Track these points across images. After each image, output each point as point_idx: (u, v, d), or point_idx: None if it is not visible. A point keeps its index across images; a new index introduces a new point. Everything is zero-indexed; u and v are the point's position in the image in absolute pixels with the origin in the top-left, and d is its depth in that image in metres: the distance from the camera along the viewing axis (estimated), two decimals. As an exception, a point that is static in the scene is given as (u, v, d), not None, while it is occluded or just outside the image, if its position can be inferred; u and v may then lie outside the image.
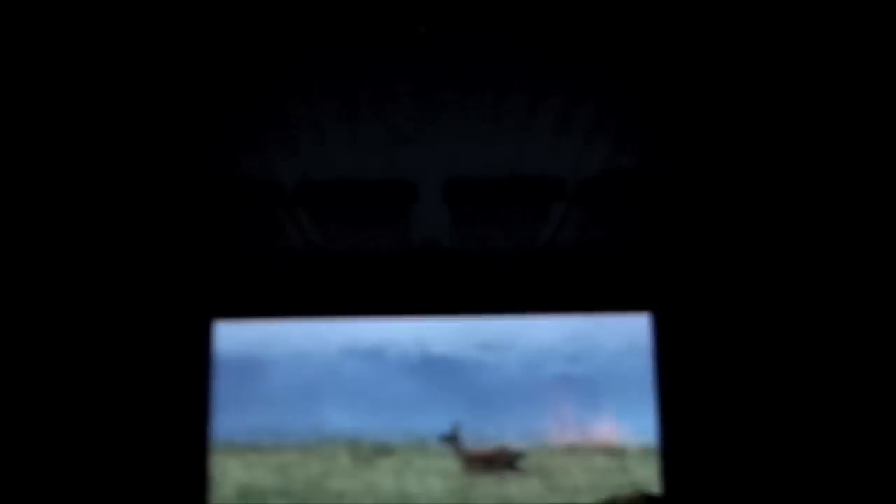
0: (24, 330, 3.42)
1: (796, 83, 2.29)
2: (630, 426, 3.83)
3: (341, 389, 3.88)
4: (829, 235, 3.31)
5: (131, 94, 2.30)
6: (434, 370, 3.89)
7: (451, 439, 3.82)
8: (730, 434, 3.63)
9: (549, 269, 3.85)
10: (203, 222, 3.36)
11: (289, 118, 2.46)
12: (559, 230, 3.41)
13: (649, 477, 3.78)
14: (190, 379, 3.75)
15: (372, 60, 2.11)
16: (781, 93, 2.35)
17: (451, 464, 3.81)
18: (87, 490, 3.48)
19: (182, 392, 3.73)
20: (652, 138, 2.67)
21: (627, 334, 3.87)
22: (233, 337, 3.88)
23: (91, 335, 3.63)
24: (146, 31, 1.97)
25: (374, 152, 2.68)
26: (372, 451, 3.84)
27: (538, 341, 3.89)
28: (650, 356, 3.83)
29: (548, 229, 3.42)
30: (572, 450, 3.83)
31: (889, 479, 3.22)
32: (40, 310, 3.48)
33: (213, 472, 3.74)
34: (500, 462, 3.81)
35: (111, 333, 3.67)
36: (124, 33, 1.98)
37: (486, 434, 3.83)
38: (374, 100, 2.35)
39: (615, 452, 3.82)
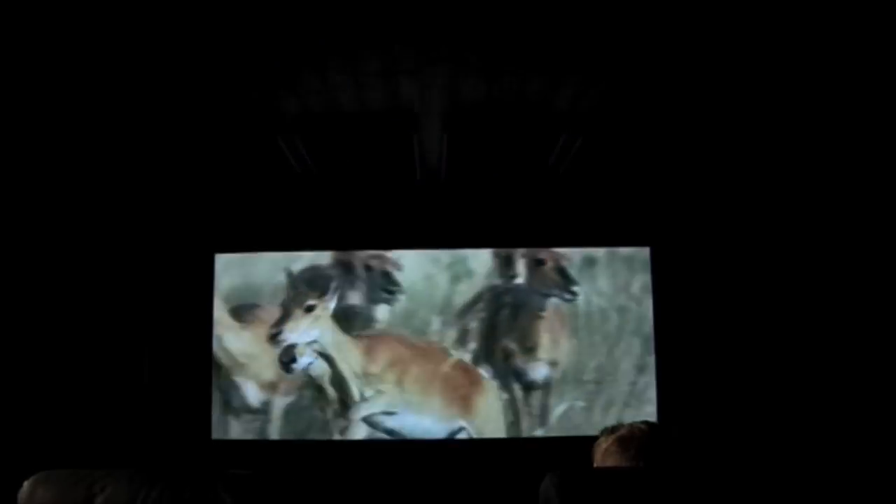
0: (31, 256, 3.52)
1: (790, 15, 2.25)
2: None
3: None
4: (827, 172, 3.37)
5: (132, 31, 2.28)
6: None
7: None
8: (723, 362, 3.72)
9: (551, 201, 3.87)
10: (203, 154, 3.36)
11: (288, 49, 2.43)
12: (560, 162, 3.41)
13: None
14: (193, 311, 3.83)
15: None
16: (780, 33, 2.32)
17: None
18: (99, 408, 3.62)
19: (186, 324, 3.82)
20: (652, 73, 2.64)
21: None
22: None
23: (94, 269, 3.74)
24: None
25: (373, 82, 2.66)
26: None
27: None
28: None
29: (549, 161, 3.41)
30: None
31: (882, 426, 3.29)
32: (50, 244, 3.60)
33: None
34: None
35: (115, 266, 3.78)
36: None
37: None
38: (374, 30, 2.31)
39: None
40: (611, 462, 1.43)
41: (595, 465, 1.48)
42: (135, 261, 3.83)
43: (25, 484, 1.43)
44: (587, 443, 1.54)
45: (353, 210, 3.91)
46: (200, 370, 3.78)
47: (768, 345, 3.70)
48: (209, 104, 2.84)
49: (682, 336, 3.79)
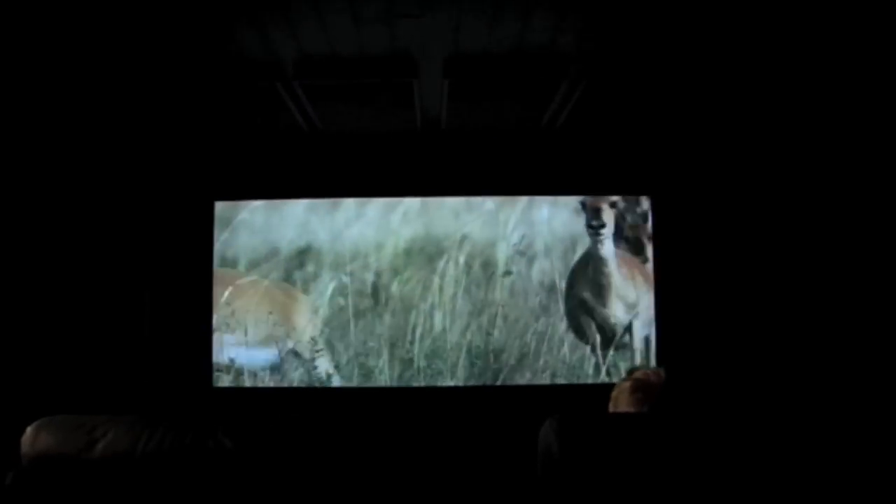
0: (26, 202, 3.51)
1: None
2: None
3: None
4: (839, 121, 3.33)
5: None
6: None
7: None
8: (722, 310, 3.73)
9: (551, 149, 3.83)
10: (201, 102, 3.32)
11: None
12: (561, 109, 3.37)
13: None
14: (194, 259, 3.84)
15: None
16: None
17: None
18: (100, 355, 3.64)
19: (187, 271, 3.83)
20: (655, 16, 2.57)
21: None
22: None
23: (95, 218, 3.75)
24: None
25: (372, 27, 2.60)
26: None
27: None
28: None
29: (549, 108, 3.38)
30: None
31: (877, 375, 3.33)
32: (49, 191, 3.60)
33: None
34: None
35: (115, 214, 3.78)
36: None
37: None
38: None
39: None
40: (622, 407, 1.44)
41: (610, 410, 1.49)
42: (135, 208, 3.82)
43: (28, 430, 1.44)
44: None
45: (351, 157, 3.87)
46: (201, 317, 3.80)
47: (770, 292, 3.69)
48: (206, 48, 2.79)
49: (683, 287, 3.79)
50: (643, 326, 3.81)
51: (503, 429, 3.61)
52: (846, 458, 1.20)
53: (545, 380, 3.78)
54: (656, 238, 3.81)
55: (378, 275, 3.86)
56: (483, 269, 3.85)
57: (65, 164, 3.65)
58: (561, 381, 3.77)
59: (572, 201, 3.84)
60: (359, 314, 3.85)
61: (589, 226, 3.81)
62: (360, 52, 2.82)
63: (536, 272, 3.85)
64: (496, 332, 3.82)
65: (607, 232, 3.81)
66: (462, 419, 3.74)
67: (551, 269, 3.84)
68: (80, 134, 3.53)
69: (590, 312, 3.82)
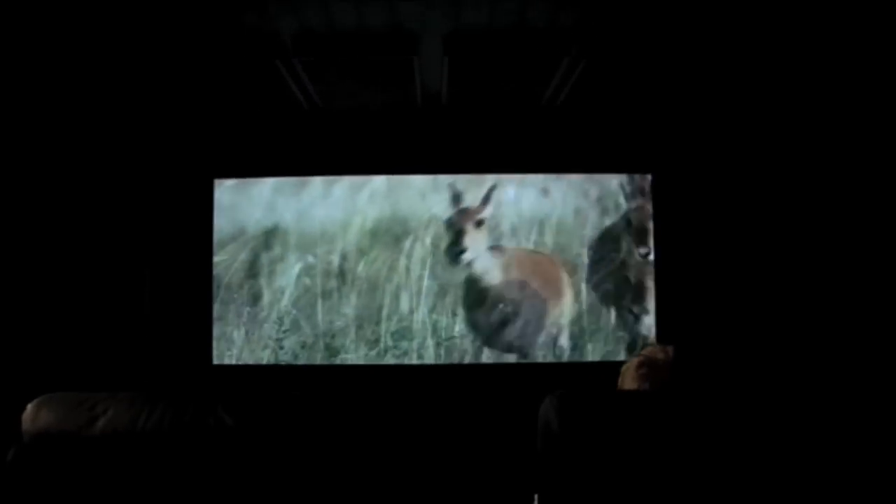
0: (26, 179, 3.47)
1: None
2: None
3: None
4: (842, 99, 3.38)
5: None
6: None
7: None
8: (724, 290, 3.77)
9: (552, 126, 3.84)
10: (201, 79, 3.29)
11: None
12: (562, 86, 3.38)
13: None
14: (194, 236, 3.83)
15: None
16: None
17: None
18: (101, 332, 3.64)
19: (187, 248, 3.83)
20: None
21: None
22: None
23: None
24: None
25: (373, 2, 2.59)
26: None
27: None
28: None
29: (550, 86, 3.38)
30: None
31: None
32: (48, 168, 3.57)
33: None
34: None
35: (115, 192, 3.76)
36: None
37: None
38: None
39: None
40: (627, 382, 1.49)
41: (618, 384, 1.54)
42: (135, 186, 3.79)
43: (29, 407, 1.45)
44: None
45: (351, 134, 3.85)
46: (201, 294, 3.79)
47: (770, 270, 3.73)
48: (204, 24, 2.75)
49: (683, 263, 3.84)
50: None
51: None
52: (845, 445, 1.24)
53: (510, 359, 3.85)
54: (657, 217, 3.84)
55: (344, 255, 3.87)
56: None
57: (65, 142, 3.60)
58: (527, 360, 3.84)
59: (538, 181, 3.87)
60: (325, 294, 3.86)
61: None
62: (360, 29, 2.80)
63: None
64: (462, 313, 3.87)
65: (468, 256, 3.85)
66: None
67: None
68: (79, 111, 3.48)
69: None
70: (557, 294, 3.88)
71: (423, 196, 3.88)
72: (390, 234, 3.88)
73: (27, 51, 2.85)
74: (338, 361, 3.82)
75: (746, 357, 3.56)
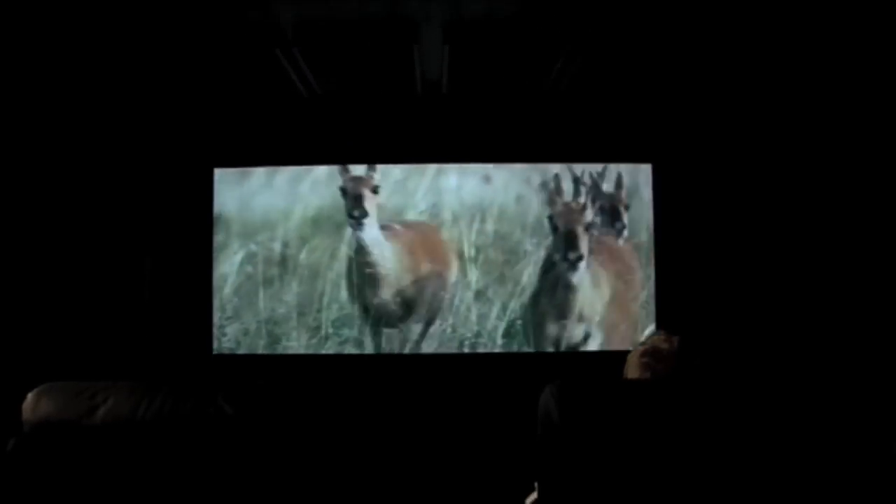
0: (26, 169, 3.44)
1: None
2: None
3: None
4: (843, 89, 3.40)
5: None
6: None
7: None
8: (721, 277, 3.80)
9: (552, 115, 3.85)
10: (201, 68, 3.25)
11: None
12: (562, 76, 3.39)
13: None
14: (194, 225, 3.81)
15: None
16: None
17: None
18: (101, 322, 3.61)
19: (187, 237, 3.81)
20: None
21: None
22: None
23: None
24: None
25: None
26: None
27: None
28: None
29: (550, 75, 3.39)
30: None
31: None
32: (49, 159, 3.54)
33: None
34: None
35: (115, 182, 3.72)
36: None
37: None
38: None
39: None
40: (631, 370, 1.49)
41: (624, 372, 1.54)
42: (136, 174, 3.74)
43: (29, 396, 1.45)
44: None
45: (351, 123, 3.83)
46: (201, 283, 3.76)
47: (771, 260, 3.75)
48: (204, 13, 2.71)
49: (683, 253, 3.85)
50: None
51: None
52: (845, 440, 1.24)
53: (453, 348, 3.88)
54: (657, 206, 3.86)
55: (286, 243, 3.87)
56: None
57: (64, 133, 3.55)
58: (467, 349, 3.88)
59: (480, 170, 3.88)
60: (267, 282, 3.86)
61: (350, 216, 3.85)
62: (360, 17, 2.79)
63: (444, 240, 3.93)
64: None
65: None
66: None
67: (459, 237, 3.90)
68: (79, 101, 3.43)
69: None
70: (445, 264, 3.91)
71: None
72: (332, 221, 3.87)
73: (28, 41, 2.79)
74: (279, 350, 3.82)
75: (748, 347, 3.59)
